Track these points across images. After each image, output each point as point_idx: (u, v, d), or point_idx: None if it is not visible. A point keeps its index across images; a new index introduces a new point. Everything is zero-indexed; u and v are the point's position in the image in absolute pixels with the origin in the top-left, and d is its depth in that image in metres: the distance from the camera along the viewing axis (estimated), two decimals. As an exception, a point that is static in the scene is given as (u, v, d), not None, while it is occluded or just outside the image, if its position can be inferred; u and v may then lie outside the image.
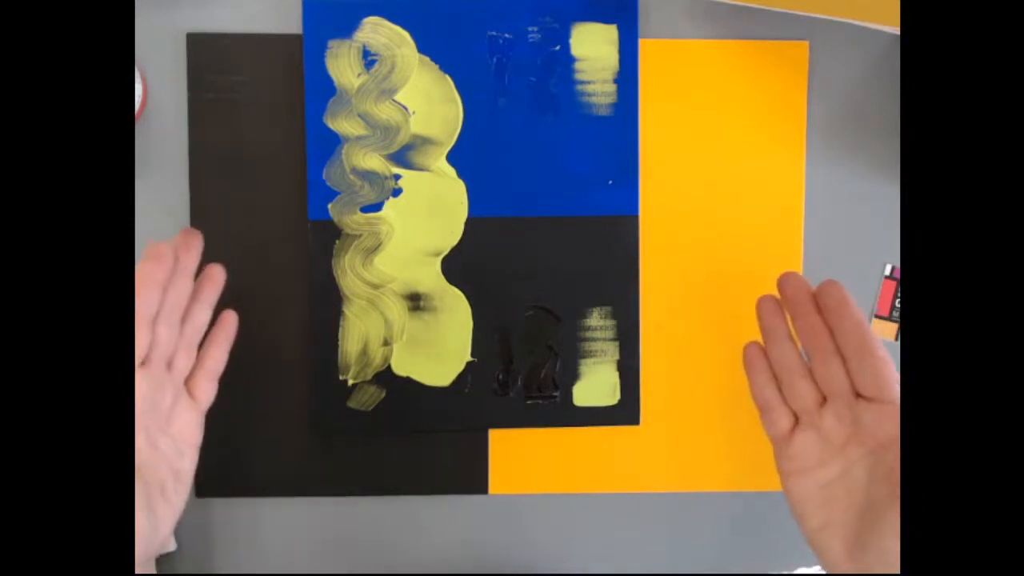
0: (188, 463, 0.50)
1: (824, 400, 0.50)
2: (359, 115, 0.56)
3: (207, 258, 0.57)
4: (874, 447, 0.47)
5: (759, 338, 0.52)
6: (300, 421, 0.58)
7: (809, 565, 0.61)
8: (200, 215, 0.57)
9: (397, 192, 0.57)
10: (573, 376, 0.58)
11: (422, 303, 0.58)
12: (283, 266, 0.57)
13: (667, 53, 0.58)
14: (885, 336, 0.60)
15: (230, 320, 0.54)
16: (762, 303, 0.52)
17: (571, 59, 0.57)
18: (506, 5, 0.57)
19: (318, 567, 0.59)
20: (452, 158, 0.57)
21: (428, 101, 0.57)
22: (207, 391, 0.52)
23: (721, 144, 0.59)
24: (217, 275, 0.53)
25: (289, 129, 0.57)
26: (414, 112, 0.57)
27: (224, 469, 0.58)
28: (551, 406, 0.59)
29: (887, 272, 0.60)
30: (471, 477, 0.59)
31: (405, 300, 0.57)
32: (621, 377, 0.59)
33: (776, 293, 0.52)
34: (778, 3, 0.54)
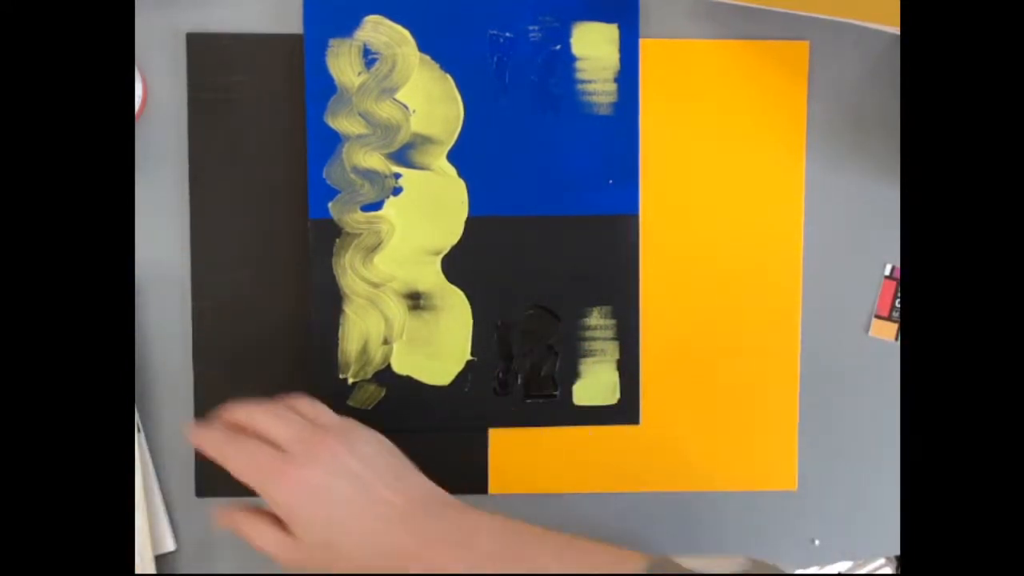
0: None
1: None
2: (360, 114, 0.56)
3: (206, 257, 0.57)
4: None
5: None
6: (300, 420, 0.58)
7: (809, 565, 0.61)
8: (200, 215, 0.57)
9: (397, 191, 0.57)
10: (573, 375, 0.59)
11: (422, 302, 0.58)
12: (283, 265, 0.57)
13: (667, 53, 0.58)
14: (885, 336, 0.60)
15: None
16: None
17: (572, 58, 0.57)
18: (507, 4, 0.57)
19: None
20: (452, 157, 0.57)
21: (428, 100, 0.57)
22: None
23: (721, 144, 0.58)
24: None
25: (289, 128, 0.57)
26: (414, 111, 0.57)
27: (225, 469, 0.58)
28: (551, 405, 0.59)
29: (887, 272, 0.60)
30: (471, 477, 0.59)
31: (405, 299, 0.57)
32: (621, 377, 0.59)
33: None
34: (778, 3, 0.54)
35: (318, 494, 0.48)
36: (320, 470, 0.48)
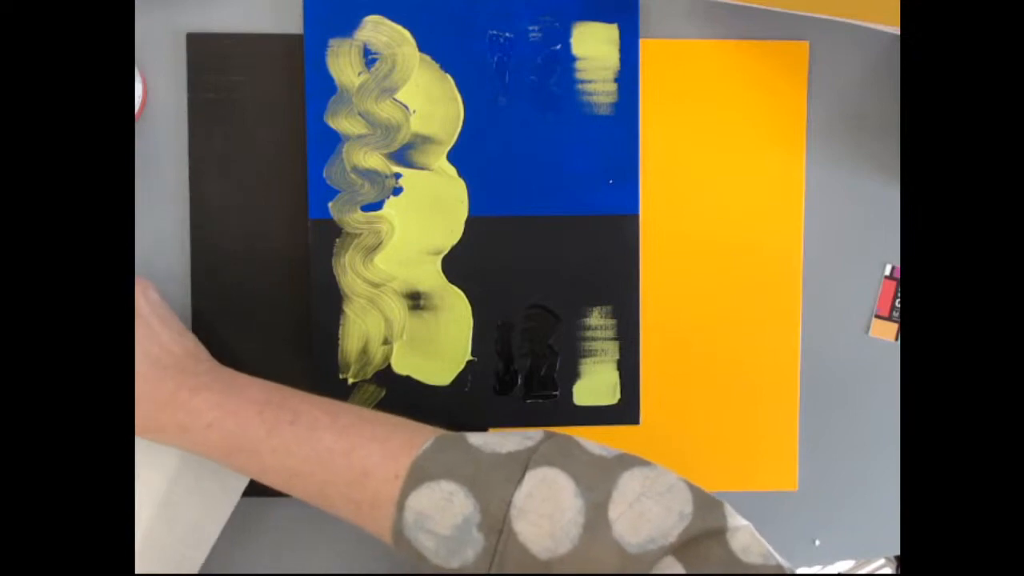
0: None
1: None
2: (360, 114, 0.56)
3: (208, 257, 0.57)
4: None
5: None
6: (300, 420, 0.58)
7: (810, 565, 0.61)
8: (200, 215, 0.57)
9: (398, 191, 0.57)
10: (573, 375, 0.59)
11: (422, 302, 0.58)
12: (283, 265, 0.57)
13: (667, 53, 0.58)
14: (885, 336, 0.60)
15: None
16: None
17: (572, 58, 0.57)
18: (507, 4, 0.57)
19: (318, 567, 0.59)
20: (453, 157, 0.57)
21: (429, 100, 0.57)
22: None
23: (721, 144, 0.59)
24: None
25: (289, 128, 0.57)
26: (415, 111, 0.57)
27: (224, 468, 0.58)
28: (551, 405, 0.59)
29: (887, 272, 0.60)
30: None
31: (405, 299, 0.57)
32: (621, 377, 0.59)
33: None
34: (778, 3, 0.54)
35: None
36: None
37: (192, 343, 0.53)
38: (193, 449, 0.49)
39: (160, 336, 0.51)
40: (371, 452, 0.46)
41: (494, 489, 0.44)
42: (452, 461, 0.45)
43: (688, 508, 0.43)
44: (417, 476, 0.45)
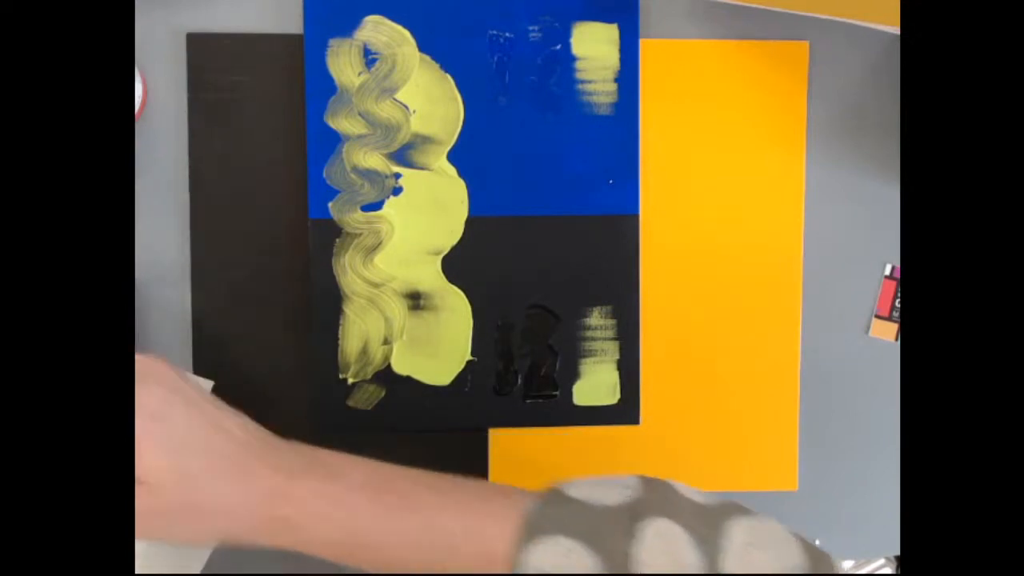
0: None
1: None
2: (360, 114, 0.56)
3: (208, 257, 0.57)
4: None
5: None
6: (300, 420, 0.58)
7: (809, 564, 0.61)
8: (200, 215, 0.57)
9: (397, 191, 0.57)
10: (573, 375, 0.59)
11: (422, 302, 0.58)
12: (283, 265, 0.57)
13: (667, 53, 0.58)
14: (885, 336, 0.60)
15: None
16: None
17: (572, 58, 0.57)
18: (507, 4, 0.57)
19: (317, 567, 0.59)
20: (453, 157, 0.57)
21: (429, 100, 0.57)
22: None
23: (721, 144, 0.59)
24: None
25: (289, 128, 0.57)
26: (415, 111, 0.57)
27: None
28: (551, 405, 0.59)
29: (887, 272, 0.60)
30: (471, 476, 0.59)
31: (405, 299, 0.57)
32: (621, 376, 0.59)
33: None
34: (778, 3, 0.54)
35: (157, 418, 0.43)
36: (161, 389, 0.44)
37: (254, 424, 0.47)
38: (294, 547, 0.44)
39: (219, 418, 0.45)
40: (483, 521, 0.44)
41: (614, 543, 0.42)
42: (563, 516, 0.43)
43: (799, 560, 0.42)
44: (531, 534, 0.43)
